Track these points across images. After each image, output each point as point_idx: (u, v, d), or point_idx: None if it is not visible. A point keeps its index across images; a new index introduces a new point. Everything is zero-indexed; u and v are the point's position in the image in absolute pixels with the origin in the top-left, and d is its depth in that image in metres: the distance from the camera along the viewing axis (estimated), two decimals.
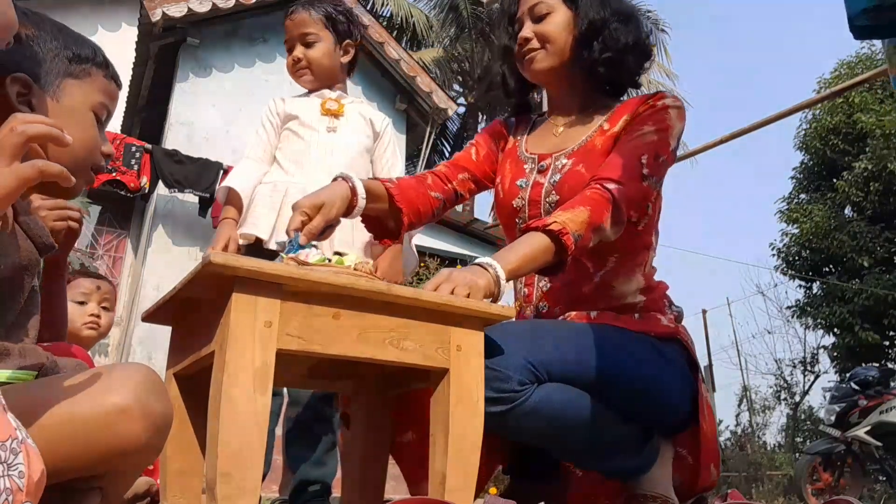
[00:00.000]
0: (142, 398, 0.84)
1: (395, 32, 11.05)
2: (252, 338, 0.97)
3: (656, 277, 1.51)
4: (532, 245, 1.24)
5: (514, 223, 1.49)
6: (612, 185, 1.30)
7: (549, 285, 1.44)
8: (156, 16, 6.26)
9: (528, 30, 1.45)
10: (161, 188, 6.28)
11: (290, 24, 2.09)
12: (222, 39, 6.87)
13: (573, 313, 1.39)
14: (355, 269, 1.10)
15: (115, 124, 7.08)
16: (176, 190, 6.19)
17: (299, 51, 2.07)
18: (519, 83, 1.59)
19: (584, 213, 1.26)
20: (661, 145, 1.37)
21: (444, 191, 1.54)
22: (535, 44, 1.44)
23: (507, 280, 1.21)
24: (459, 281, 1.16)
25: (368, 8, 10.36)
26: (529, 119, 1.63)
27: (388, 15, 11.80)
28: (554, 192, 1.42)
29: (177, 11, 6.34)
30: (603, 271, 1.41)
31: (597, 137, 1.44)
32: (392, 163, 2.13)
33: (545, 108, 1.64)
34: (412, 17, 11.84)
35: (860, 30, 1.11)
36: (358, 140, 2.08)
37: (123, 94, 6.63)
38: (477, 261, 1.22)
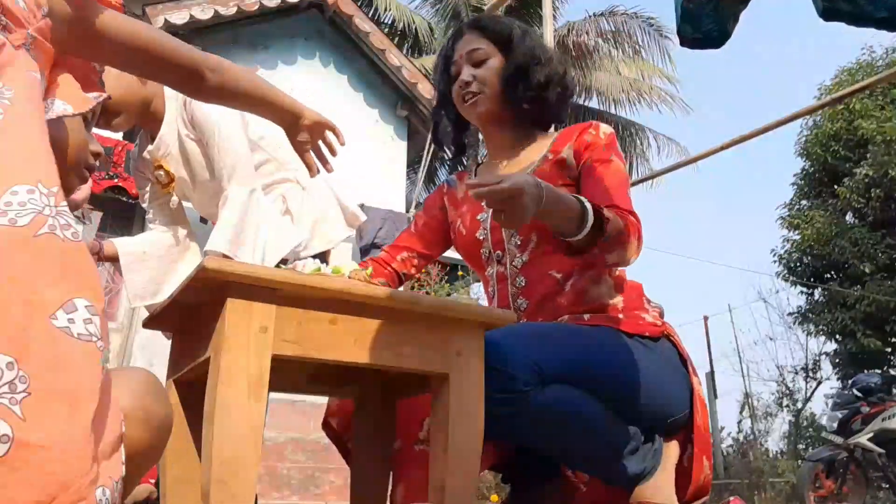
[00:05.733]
0: (142, 402, 0.83)
1: (396, 39, 11.08)
2: (247, 343, 0.97)
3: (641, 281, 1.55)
4: (567, 197, 1.26)
5: (479, 254, 1.55)
6: (630, 216, 1.37)
7: (526, 303, 1.46)
8: (158, 23, 6.28)
9: (467, 73, 1.54)
10: None
11: None
12: (224, 47, 6.88)
13: (567, 316, 1.41)
14: (350, 278, 1.09)
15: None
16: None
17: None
18: (455, 127, 1.67)
19: (621, 223, 1.32)
20: (627, 174, 1.48)
21: (384, 275, 1.64)
22: (475, 87, 1.53)
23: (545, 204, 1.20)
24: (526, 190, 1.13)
25: (370, 15, 10.38)
26: (469, 170, 1.72)
27: (389, 22, 11.82)
28: None
29: (179, 19, 6.36)
30: (571, 279, 1.45)
31: (545, 164, 1.52)
32: (214, 160, 1.82)
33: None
34: (414, 23, 11.86)
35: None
36: (201, 175, 1.88)
37: None
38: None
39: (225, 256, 1.61)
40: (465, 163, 1.80)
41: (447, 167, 16.00)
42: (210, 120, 1.81)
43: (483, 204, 1.21)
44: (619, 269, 1.51)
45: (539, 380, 1.20)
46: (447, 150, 1.72)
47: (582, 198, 1.29)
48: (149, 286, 1.91)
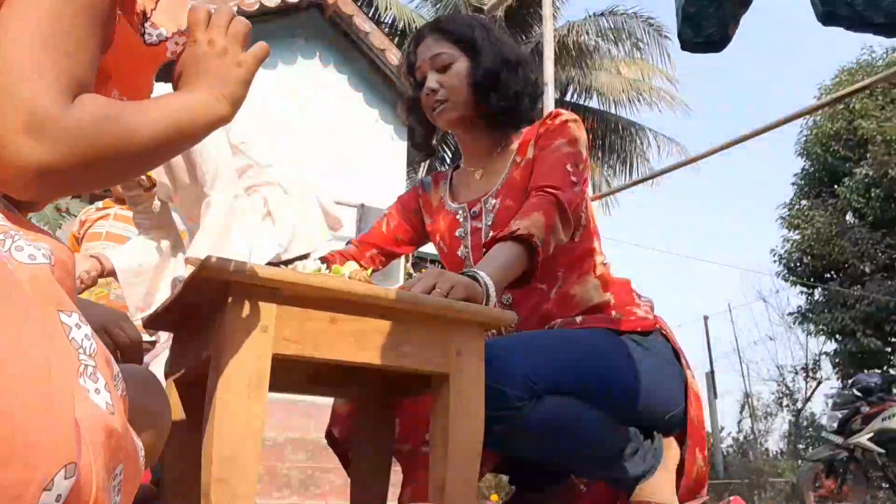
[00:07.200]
0: (141, 400, 0.83)
1: (396, 39, 11.08)
2: (247, 343, 0.96)
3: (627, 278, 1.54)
4: (505, 255, 1.25)
5: (462, 272, 1.52)
6: (552, 190, 1.34)
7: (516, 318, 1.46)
8: None
9: (433, 81, 1.49)
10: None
11: None
12: None
13: (559, 320, 1.40)
14: (350, 279, 1.09)
15: None
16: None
17: None
18: (426, 131, 1.63)
19: (541, 218, 1.29)
20: (577, 154, 1.43)
21: None
22: (441, 94, 1.48)
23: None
24: (457, 280, 1.15)
25: (370, 14, 10.38)
26: (445, 174, 1.68)
27: (389, 21, 11.82)
28: (492, 232, 1.45)
29: None
30: (557, 286, 1.44)
31: (514, 171, 1.49)
32: (195, 166, 1.86)
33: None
34: (414, 23, 11.85)
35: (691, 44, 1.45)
36: (181, 179, 1.89)
37: None
38: (464, 271, 1.21)
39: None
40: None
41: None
42: None
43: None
44: (604, 267, 1.50)
45: (532, 394, 1.19)
46: (424, 154, 1.70)
47: (509, 245, 1.26)
48: (147, 298, 1.95)
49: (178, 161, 1.88)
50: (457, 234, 1.53)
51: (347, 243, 1.73)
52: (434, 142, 1.67)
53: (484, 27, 1.53)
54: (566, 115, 1.49)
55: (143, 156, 0.69)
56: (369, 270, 1.14)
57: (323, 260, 1.61)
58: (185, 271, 1.96)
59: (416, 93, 1.56)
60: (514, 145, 1.53)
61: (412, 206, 1.67)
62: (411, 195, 1.70)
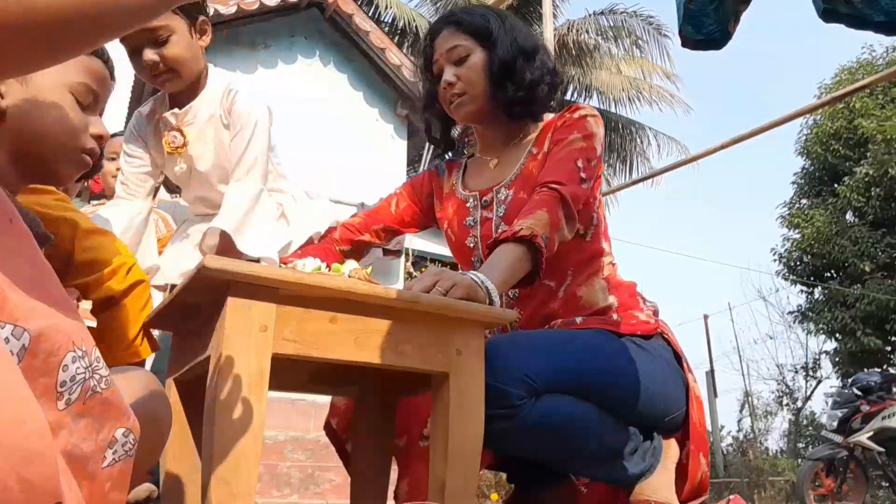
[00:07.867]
0: (141, 402, 0.84)
1: (396, 38, 11.08)
2: (247, 342, 0.96)
3: (626, 278, 1.54)
4: (508, 256, 1.24)
5: (471, 261, 1.53)
6: (557, 186, 1.34)
7: (520, 313, 1.45)
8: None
9: (450, 74, 1.48)
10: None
11: None
12: (224, 45, 6.88)
13: (559, 321, 1.40)
14: (350, 277, 1.09)
15: (117, 129, 7.06)
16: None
17: (151, 53, 1.71)
18: (443, 124, 1.63)
19: (545, 216, 1.28)
20: (590, 150, 1.42)
21: (351, 242, 1.63)
22: (459, 87, 1.48)
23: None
24: (458, 279, 1.14)
25: (370, 13, 10.36)
26: (460, 162, 1.67)
27: (389, 20, 11.81)
28: (503, 223, 1.45)
29: None
30: (565, 285, 1.43)
31: (530, 163, 1.48)
32: (238, 149, 1.86)
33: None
34: (414, 22, 11.84)
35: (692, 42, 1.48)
36: (213, 156, 1.90)
37: (126, 100, 6.63)
38: (466, 274, 1.20)
39: (223, 234, 1.65)
40: (464, 152, 1.80)
41: None
42: (252, 114, 1.86)
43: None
44: (611, 269, 1.50)
45: (532, 392, 1.19)
46: (441, 148, 1.69)
47: (512, 244, 1.25)
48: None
49: (222, 142, 1.89)
50: (466, 222, 1.52)
51: (353, 215, 1.72)
52: (451, 135, 1.66)
53: (499, 16, 1.52)
54: (585, 109, 1.48)
55: (56, 24, 0.45)
56: (369, 269, 1.14)
57: (327, 235, 1.61)
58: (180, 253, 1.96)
59: (433, 87, 1.55)
60: (532, 136, 1.53)
61: (425, 189, 1.66)
62: (425, 178, 1.68)
